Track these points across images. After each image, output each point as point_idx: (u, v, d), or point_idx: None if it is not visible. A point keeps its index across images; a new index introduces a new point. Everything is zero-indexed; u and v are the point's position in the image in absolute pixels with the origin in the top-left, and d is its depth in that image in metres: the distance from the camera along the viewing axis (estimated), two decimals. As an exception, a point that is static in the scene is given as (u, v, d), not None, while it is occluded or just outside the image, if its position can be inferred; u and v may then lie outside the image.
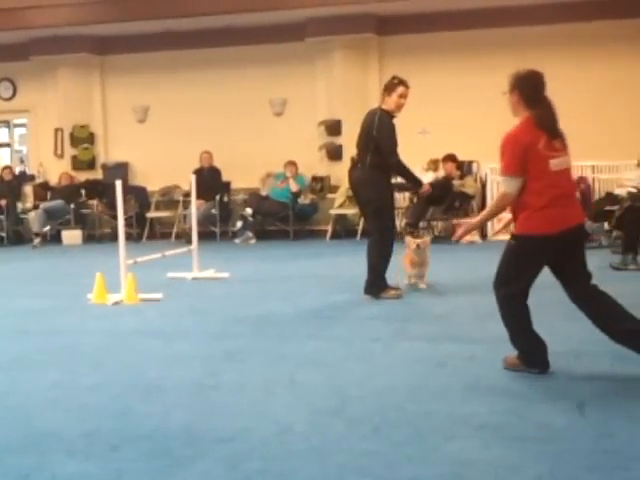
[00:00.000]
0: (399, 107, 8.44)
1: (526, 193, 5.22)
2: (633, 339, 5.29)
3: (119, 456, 4.07)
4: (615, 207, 11.23)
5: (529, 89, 5.40)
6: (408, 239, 8.87)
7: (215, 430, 4.40)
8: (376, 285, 8.41)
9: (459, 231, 6.05)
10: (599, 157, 13.94)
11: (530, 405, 4.72)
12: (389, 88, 8.45)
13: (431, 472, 3.75)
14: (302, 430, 4.37)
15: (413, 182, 8.97)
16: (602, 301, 5.35)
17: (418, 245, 8.65)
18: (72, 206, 16.08)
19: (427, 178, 14.22)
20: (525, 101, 5.38)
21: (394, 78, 8.53)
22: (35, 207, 16.28)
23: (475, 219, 6.07)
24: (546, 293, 8.46)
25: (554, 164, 5.20)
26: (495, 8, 14.70)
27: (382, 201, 8.46)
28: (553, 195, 5.17)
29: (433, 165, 14.50)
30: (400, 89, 8.40)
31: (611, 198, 12.10)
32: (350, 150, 14.24)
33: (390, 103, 8.41)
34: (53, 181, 17.03)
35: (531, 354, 5.39)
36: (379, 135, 8.30)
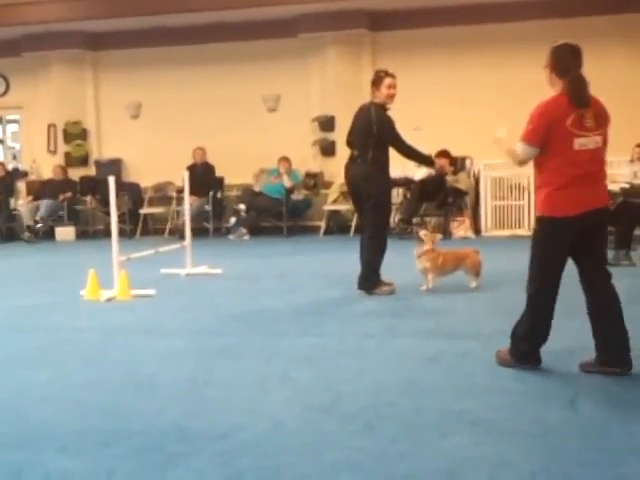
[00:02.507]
0: (390, 97, 8.48)
1: (546, 170, 5.15)
2: (609, 350, 5.23)
3: (112, 452, 4.06)
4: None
5: (558, 60, 5.26)
6: (422, 233, 8.77)
7: (208, 427, 4.40)
8: (370, 280, 8.42)
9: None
10: (592, 153, 13.93)
11: (523, 401, 4.72)
12: (376, 82, 8.50)
13: (424, 468, 3.75)
14: (295, 426, 4.37)
15: (427, 162, 9.24)
16: (607, 300, 5.31)
17: (425, 234, 8.60)
18: (61, 200, 16.11)
19: (420, 174, 14.26)
20: (555, 72, 5.26)
21: (379, 71, 8.63)
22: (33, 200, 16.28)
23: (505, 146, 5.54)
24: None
25: (579, 143, 5.08)
26: (489, 4, 14.71)
27: (383, 197, 8.53)
28: (574, 175, 5.07)
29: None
30: (387, 80, 8.45)
31: (604, 194, 12.06)
32: (343, 146, 14.23)
33: (380, 96, 8.46)
34: (46, 177, 16.98)
35: (527, 350, 5.34)
36: (381, 130, 8.36)
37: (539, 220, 5.25)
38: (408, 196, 14.47)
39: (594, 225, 5.22)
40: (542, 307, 5.28)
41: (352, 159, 8.62)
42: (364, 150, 8.43)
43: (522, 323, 5.35)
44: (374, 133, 8.35)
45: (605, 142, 5.24)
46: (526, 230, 14.45)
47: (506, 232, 14.47)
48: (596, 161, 5.21)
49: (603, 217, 5.36)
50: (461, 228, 14.09)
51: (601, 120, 5.20)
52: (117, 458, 3.99)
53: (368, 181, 8.41)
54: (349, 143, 8.78)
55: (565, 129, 5.06)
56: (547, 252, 5.22)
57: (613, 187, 11.95)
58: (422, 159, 9.06)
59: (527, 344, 5.35)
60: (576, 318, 6.85)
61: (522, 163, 5.33)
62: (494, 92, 14.79)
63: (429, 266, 8.49)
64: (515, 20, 14.72)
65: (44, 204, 15.94)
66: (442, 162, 14.17)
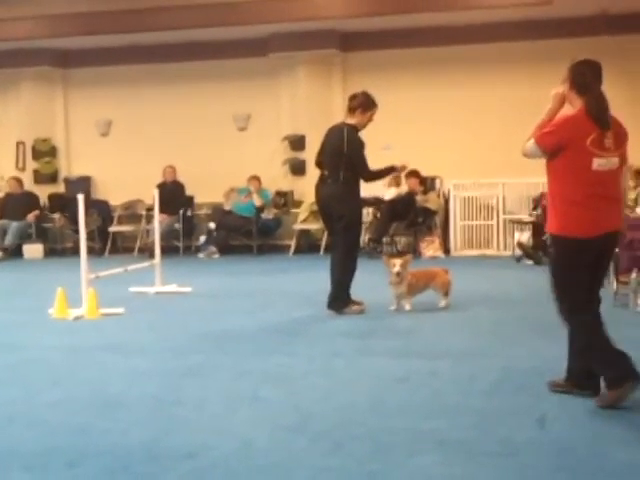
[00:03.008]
0: (365, 125, 8.57)
1: (562, 188, 5.02)
2: (582, 373, 5.13)
3: (78, 472, 4.02)
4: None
5: (578, 77, 5.08)
6: (386, 260, 8.62)
7: (176, 446, 4.37)
8: (340, 299, 8.41)
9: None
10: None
11: (492, 420, 4.73)
12: (364, 106, 8.52)
13: (393, 488, 3.74)
14: (264, 446, 4.35)
15: (389, 171, 9.09)
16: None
17: (398, 273, 8.35)
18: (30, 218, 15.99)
19: (390, 194, 14.30)
20: (574, 89, 5.09)
21: (370, 97, 8.58)
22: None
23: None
24: (510, 309, 8.52)
25: (598, 163, 4.91)
26: (458, 26, 14.80)
27: (355, 216, 8.58)
28: (590, 194, 4.93)
29: (394, 181, 14.52)
30: (374, 110, 8.55)
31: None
32: (313, 165, 14.24)
33: (360, 120, 8.51)
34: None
35: (613, 368, 4.95)
36: (351, 151, 8.38)
37: (553, 241, 5.12)
38: (378, 216, 14.49)
39: (606, 249, 5.09)
40: (586, 324, 5.05)
41: (322, 179, 8.63)
42: (335, 170, 8.44)
43: (582, 344, 5.06)
44: (345, 153, 8.37)
45: (623, 162, 5.10)
46: (495, 250, 14.56)
47: (475, 252, 14.54)
48: (613, 182, 5.06)
49: (615, 241, 5.23)
50: (430, 248, 14.13)
51: (619, 140, 5.05)
52: (84, 478, 3.95)
53: (339, 201, 8.42)
54: (318, 164, 8.77)
55: (585, 148, 4.92)
56: (566, 271, 5.05)
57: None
58: (384, 173, 8.97)
59: (608, 367, 4.98)
60: (545, 337, 6.91)
61: (524, 155, 5.22)
62: (464, 112, 14.87)
63: (406, 291, 8.48)
64: (484, 42, 14.82)
65: (11, 228, 15.77)
66: (411, 182, 14.32)
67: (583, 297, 5.06)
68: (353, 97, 8.64)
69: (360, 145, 8.47)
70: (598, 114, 4.97)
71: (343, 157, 8.37)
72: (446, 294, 8.63)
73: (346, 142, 8.37)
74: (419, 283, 8.60)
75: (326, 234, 14.50)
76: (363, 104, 8.54)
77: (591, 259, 5.01)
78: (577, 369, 5.19)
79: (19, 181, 16.50)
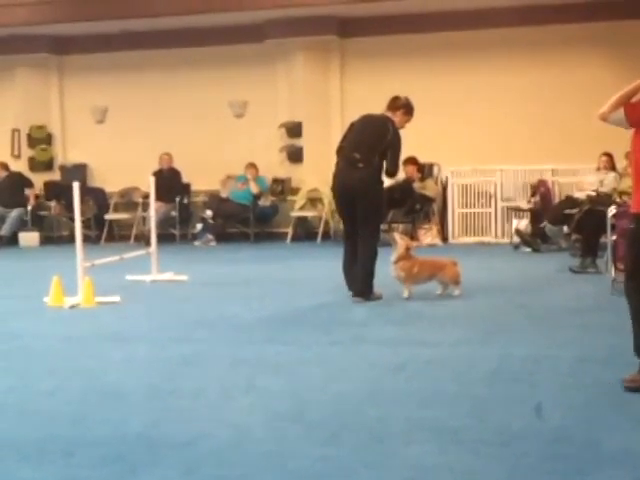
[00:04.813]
0: (400, 128, 8.64)
1: None
2: None
3: (74, 462, 4.01)
4: (574, 210, 11.30)
5: None
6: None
7: (172, 435, 4.35)
8: (371, 287, 8.40)
9: None
10: (559, 161, 14.04)
11: (488, 409, 4.72)
12: (407, 109, 8.70)
13: (389, 477, 3.73)
14: (260, 435, 4.34)
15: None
16: None
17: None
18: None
19: (387, 181, 14.26)
20: None
21: (410, 103, 8.77)
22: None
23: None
24: (506, 297, 8.51)
25: None
26: (457, 12, 14.75)
27: (382, 201, 8.76)
28: None
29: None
30: (411, 117, 8.74)
31: (570, 201, 12.17)
32: (311, 152, 14.17)
33: (399, 120, 8.62)
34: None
35: None
36: (394, 143, 8.45)
37: (635, 218, 5.03)
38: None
39: None
40: None
41: (350, 163, 8.45)
42: (370, 155, 8.39)
43: (636, 326, 5.01)
44: (387, 141, 8.40)
45: None
46: (493, 237, 14.55)
47: (473, 239, 14.53)
48: None
49: None
50: (428, 235, 14.13)
51: None
52: (80, 467, 3.93)
53: (374, 186, 8.45)
54: (340, 149, 8.68)
55: None
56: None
57: (580, 195, 12.08)
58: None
59: None
60: (542, 326, 6.90)
61: (603, 117, 5.08)
62: (462, 99, 14.83)
63: (403, 275, 8.44)
64: (482, 27, 14.77)
65: (10, 219, 15.80)
66: (409, 169, 14.32)
67: None
68: (397, 98, 8.77)
69: (400, 141, 8.53)
70: None
71: (382, 145, 8.41)
72: (457, 284, 8.59)
73: (392, 133, 8.44)
74: (423, 273, 8.55)
75: (323, 222, 14.51)
76: (406, 107, 8.70)
77: None
78: None
79: (2, 164, 16.45)
